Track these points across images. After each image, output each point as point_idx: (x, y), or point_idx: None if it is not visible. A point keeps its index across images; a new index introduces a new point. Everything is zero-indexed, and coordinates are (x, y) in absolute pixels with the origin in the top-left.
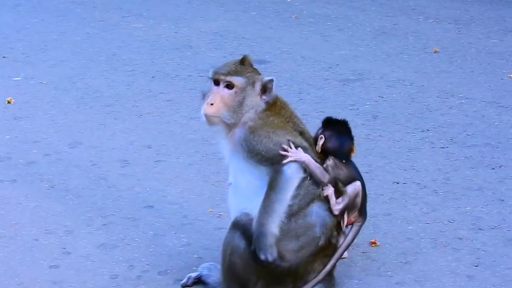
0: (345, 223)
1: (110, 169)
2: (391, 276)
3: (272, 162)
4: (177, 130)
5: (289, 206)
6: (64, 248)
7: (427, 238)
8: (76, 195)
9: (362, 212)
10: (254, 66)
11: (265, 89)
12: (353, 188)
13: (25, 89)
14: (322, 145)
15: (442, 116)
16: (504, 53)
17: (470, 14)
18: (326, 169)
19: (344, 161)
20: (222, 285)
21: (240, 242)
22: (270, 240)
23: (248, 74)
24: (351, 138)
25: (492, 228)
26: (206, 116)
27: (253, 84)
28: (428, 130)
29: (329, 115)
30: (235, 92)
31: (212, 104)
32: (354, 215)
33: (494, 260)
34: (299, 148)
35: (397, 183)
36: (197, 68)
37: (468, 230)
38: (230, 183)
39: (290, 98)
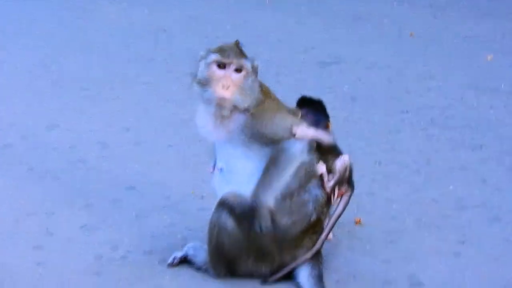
0: (336, 196)
1: (89, 152)
2: (377, 255)
3: (278, 143)
4: (155, 113)
5: (289, 184)
6: (46, 229)
7: (411, 217)
8: (55, 177)
9: (350, 183)
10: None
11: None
12: (342, 162)
13: None
14: None
15: (420, 98)
16: (480, 36)
17: None
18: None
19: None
20: (209, 265)
21: (227, 221)
22: (265, 212)
23: (248, 57)
24: (326, 115)
25: (476, 207)
26: (223, 99)
27: (255, 66)
28: (407, 112)
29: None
30: (244, 76)
31: (227, 87)
32: (344, 187)
33: (479, 238)
34: (303, 125)
35: (379, 164)
36: (172, 52)
37: (452, 210)
38: (221, 169)
39: (267, 81)
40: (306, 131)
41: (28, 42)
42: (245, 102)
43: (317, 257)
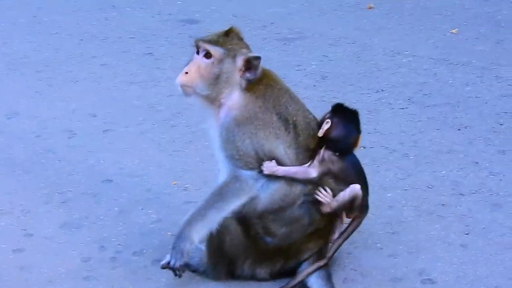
0: (343, 221)
1: (56, 141)
2: (381, 248)
3: (240, 165)
4: (120, 97)
5: (285, 196)
6: (25, 230)
7: (409, 205)
8: (25, 170)
9: (364, 208)
10: (243, 40)
11: (249, 66)
12: (350, 192)
13: None
14: (327, 130)
15: (393, 75)
16: (441, 8)
17: None
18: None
19: (344, 153)
20: (207, 266)
21: (229, 220)
22: (186, 246)
23: (229, 46)
24: (358, 130)
25: (474, 193)
26: (180, 85)
27: (233, 57)
28: (382, 90)
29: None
30: (212, 63)
31: (187, 73)
32: (354, 213)
33: (484, 227)
34: (273, 162)
35: (364, 147)
36: (126, 30)
37: (449, 196)
38: (219, 168)
39: None
40: (275, 170)
41: None
42: (205, 90)
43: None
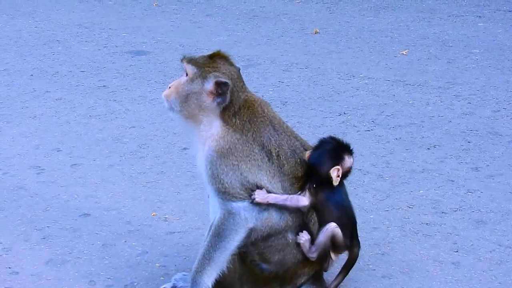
0: (328, 264)
1: (25, 177)
2: (374, 270)
3: (229, 198)
4: (82, 130)
5: (277, 223)
6: (10, 268)
7: (393, 226)
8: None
9: (353, 244)
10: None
11: (221, 90)
12: (325, 234)
13: None
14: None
15: (353, 98)
16: (386, 30)
17: None
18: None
19: (322, 184)
20: None
21: None
22: None
23: (205, 68)
24: (333, 162)
25: (455, 211)
26: (163, 98)
27: (203, 78)
28: (345, 113)
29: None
30: (186, 81)
31: (170, 87)
32: (341, 250)
33: (472, 244)
34: (263, 189)
35: None
36: (75, 63)
37: (431, 215)
38: (208, 195)
39: None
40: (266, 198)
41: None
42: (178, 107)
43: (320, 282)
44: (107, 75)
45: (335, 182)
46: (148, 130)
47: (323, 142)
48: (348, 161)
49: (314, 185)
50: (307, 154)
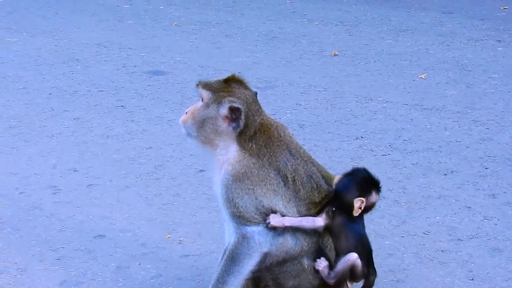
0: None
1: (41, 197)
2: None
3: (243, 222)
4: (98, 151)
5: (292, 248)
6: None
7: (408, 252)
8: (14, 227)
9: (369, 273)
10: (249, 89)
11: (236, 115)
12: (345, 264)
13: None
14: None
15: (370, 122)
16: (405, 53)
17: (353, 15)
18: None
19: (344, 212)
20: None
21: None
22: None
23: (220, 93)
24: (359, 193)
25: (471, 238)
26: (181, 124)
27: (218, 103)
28: (362, 137)
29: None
30: (202, 106)
31: (186, 113)
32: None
33: (488, 273)
34: (278, 214)
35: None
36: (94, 83)
37: (447, 242)
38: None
39: None
40: (281, 221)
41: None
42: (195, 132)
43: None
44: (125, 95)
45: (356, 212)
46: (165, 151)
47: (356, 171)
48: (374, 197)
49: (334, 209)
50: (337, 178)
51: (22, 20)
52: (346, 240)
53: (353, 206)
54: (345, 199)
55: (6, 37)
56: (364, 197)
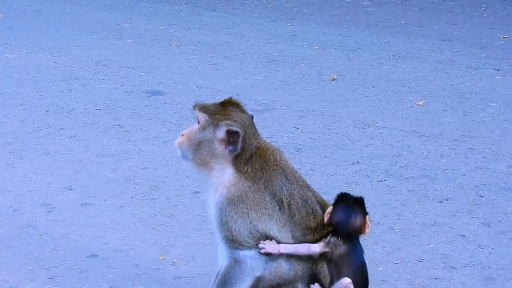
0: None
1: (35, 215)
2: None
3: (235, 246)
4: (94, 169)
5: (286, 273)
6: None
7: (402, 279)
8: (7, 245)
9: None
10: (246, 113)
11: (233, 138)
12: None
13: None
14: (330, 215)
15: (367, 148)
16: (404, 80)
17: (353, 40)
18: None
19: (348, 238)
20: None
21: None
22: None
23: (217, 115)
24: (363, 212)
25: (465, 266)
26: (176, 146)
27: (215, 126)
28: (358, 163)
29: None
30: (198, 129)
31: (182, 135)
32: None
33: None
34: (273, 240)
35: None
36: (92, 101)
37: (441, 269)
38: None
39: None
40: (277, 248)
41: None
42: (191, 155)
43: None
44: (123, 114)
45: (367, 232)
46: (161, 172)
47: (342, 197)
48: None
49: (339, 238)
50: (328, 211)
51: (22, 36)
52: (347, 268)
53: (363, 227)
54: (352, 225)
55: (5, 53)
56: (367, 214)
